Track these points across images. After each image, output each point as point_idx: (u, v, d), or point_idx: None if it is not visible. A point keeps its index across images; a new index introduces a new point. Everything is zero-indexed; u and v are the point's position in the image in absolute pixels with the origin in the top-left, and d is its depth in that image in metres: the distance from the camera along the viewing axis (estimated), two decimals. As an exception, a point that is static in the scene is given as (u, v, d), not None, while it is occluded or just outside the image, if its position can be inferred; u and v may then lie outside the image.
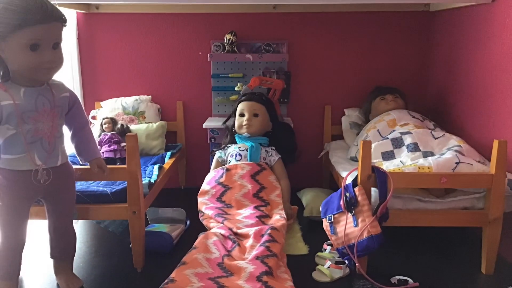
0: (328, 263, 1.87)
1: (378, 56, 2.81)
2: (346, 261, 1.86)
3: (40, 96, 1.51)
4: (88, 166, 1.77)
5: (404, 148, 2.07)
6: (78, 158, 1.77)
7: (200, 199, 2.31)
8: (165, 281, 1.64)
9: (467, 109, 2.38)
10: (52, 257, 1.78)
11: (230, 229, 2.05)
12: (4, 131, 1.48)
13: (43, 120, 1.52)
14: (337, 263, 1.88)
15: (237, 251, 1.88)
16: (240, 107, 2.50)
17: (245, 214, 2.17)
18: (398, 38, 2.71)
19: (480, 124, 2.23)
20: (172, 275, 1.67)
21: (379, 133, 2.33)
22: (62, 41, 1.50)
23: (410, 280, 1.79)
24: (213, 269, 1.75)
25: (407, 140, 2.06)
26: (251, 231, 1.98)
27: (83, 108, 1.79)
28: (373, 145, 2.07)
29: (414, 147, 2.02)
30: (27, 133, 1.50)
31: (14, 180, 1.52)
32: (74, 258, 1.85)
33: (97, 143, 2.46)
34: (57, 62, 1.48)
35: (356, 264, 1.77)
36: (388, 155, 2.07)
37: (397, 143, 2.09)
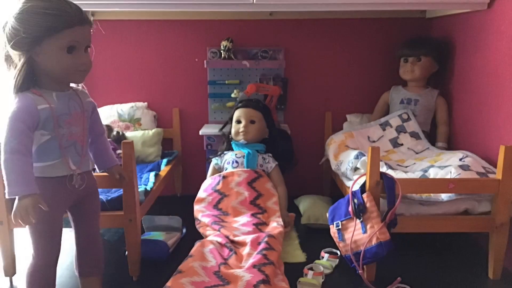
0: (310, 273, 1.85)
1: (376, 62, 2.81)
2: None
3: (71, 100, 1.49)
4: (104, 174, 1.74)
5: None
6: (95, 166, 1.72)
7: (196, 207, 2.30)
8: None
9: (464, 115, 2.38)
10: (80, 275, 1.66)
11: (227, 237, 2.03)
12: (38, 137, 1.43)
13: (76, 123, 1.49)
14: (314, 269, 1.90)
15: (234, 259, 1.87)
16: (237, 113, 2.49)
17: (242, 221, 2.16)
18: (395, 44, 2.72)
19: (477, 128, 2.23)
20: (168, 283, 1.66)
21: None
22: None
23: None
24: (210, 277, 1.73)
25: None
26: (248, 238, 1.96)
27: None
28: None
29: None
30: (62, 138, 1.46)
31: (49, 188, 1.46)
32: (69, 266, 1.83)
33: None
34: (89, 65, 1.48)
35: (359, 272, 1.76)
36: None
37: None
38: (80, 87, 1.58)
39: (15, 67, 1.40)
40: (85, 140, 1.55)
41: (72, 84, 1.52)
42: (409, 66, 2.55)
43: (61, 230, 1.53)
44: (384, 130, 2.52)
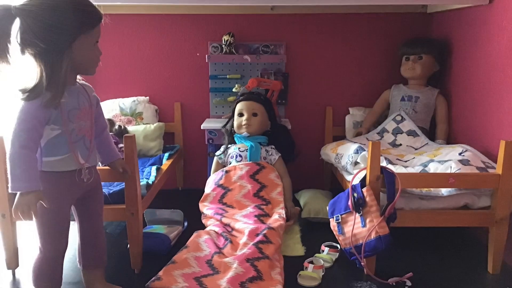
0: (311, 266, 1.86)
1: (377, 56, 2.81)
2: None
3: (80, 94, 1.49)
4: (106, 167, 1.75)
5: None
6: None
7: (202, 203, 2.32)
8: (153, 278, 1.69)
9: (464, 110, 2.38)
10: (84, 267, 1.67)
11: (228, 225, 2.06)
12: (48, 132, 1.42)
13: (85, 118, 1.50)
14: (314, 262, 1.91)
15: (229, 248, 1.90)
16: (239, 107, 2.50)
17: (244, 213, 2.18)
18: (396, 39, 2.72)
19: (477, 124, 2.24)
20: (160, 273, 1.71)
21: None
22: None
23: (407, 281, 1.79)
24: (201, 267, 1.77)
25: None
26: (247, 229, 1.98)
27: None
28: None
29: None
30: (72, 132, 1.46)
31: (58, 183, 1.46)
32: (72, 259, 1.84)
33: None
34: None
35: (363, 264, 1.77)
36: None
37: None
38: (83, 81, 1.58)
39: (43, 64, 1.35)
40: (93, 134, 1.56)
41: (78, 78, 1.52)
42: (410, 64, 2.57)
43: (69, 224, 1.54)
44: (382, 137, 2.54)
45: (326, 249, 2.04)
